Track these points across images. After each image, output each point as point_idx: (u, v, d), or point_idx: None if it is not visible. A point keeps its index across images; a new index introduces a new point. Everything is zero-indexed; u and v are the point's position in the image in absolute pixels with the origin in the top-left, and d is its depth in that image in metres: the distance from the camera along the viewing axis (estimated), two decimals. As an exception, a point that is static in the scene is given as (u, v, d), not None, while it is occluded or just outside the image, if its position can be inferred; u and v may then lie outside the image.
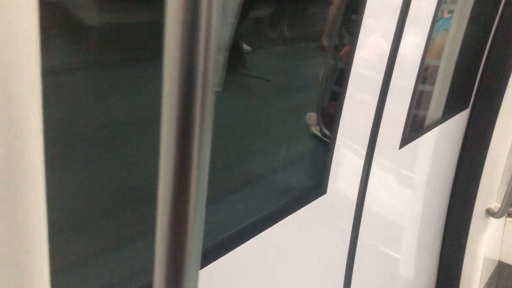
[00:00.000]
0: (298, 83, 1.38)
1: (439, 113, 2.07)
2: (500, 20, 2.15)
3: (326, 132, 1.33)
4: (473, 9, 2.02)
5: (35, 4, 0.33)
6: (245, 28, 1.25)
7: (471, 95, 2.29)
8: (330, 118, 1.31)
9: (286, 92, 1.34)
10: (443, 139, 2.14)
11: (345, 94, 1.26)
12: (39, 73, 0.34)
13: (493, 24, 2.17)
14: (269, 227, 1.11)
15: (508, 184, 2.36)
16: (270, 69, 1.33)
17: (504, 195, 2.38)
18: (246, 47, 1.23)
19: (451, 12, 2.05)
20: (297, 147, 1.40)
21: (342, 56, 1.33)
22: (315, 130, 1.37)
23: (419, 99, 1.86)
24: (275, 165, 1.30)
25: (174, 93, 0.35)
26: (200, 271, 0.93)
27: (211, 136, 0.39)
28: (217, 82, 1.13)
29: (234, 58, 1.18)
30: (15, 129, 0.34)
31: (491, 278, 2.87)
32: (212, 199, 1.04)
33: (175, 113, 0.36)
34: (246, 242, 1.04)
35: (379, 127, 1.46)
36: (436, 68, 2.06)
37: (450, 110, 2.13)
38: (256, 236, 1.07)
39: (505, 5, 2.13)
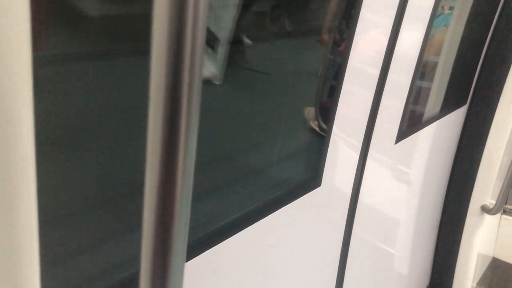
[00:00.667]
0: (298, 78, 1.38)
1: (437, 109, 2.08)
2: (499, 17, 2.16)
3: (324, 126, 1.34)
4: (473, 6, 2.02)
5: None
6: (247, 21, 1.25)
7: (469, 92, 2.30)
8: (328, 112, 1.32)
9: (285, 86, 1.35)
10: (440, 135, 2.15)
11: (341, 88, 1.27)
12: (30, 68, 0.34)
13: (492, 22, 2.18)
14: (263, 218, 1.13)
15: (504, 181, 2.37)
16: (270, 63, 1.34)
17: (500, 192, 2.39)
18: (247, 41, 1.24)
19: (451, 8, 2.05)
20: (295, 140, 1.41)
21: (342, 51, 1.34)
22: (313, 124, 1.38)
23: (417, 95, 1.87)
24: (272, 158, 1.31)
25: (161, 88, 0.36)
26: (192, 261, 0.94)
27: (197, 126, 0.40)
28: (217, 75, 1.14)
29: (235, 52, 1.18)
30: (5, 124, 0.34)
31: (485, 274, 2.89)
32: (208, 190, 1.05)
33: (161, 106, 0.36)
34: (239, 233, 1.06)
35: (375, 121, 1.47)
36: (435, 64, 2.06)
37: (447, 106, 2.14)
38: (250, 227, 1.09)
39: (504, 2, 2.13)
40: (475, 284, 2.69)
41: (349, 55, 1.24)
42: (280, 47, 1.35)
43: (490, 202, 2.49)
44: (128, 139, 0.87)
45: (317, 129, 1.37)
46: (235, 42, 1.17)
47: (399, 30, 1.38)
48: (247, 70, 1.29)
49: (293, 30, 1.37)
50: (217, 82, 1.12)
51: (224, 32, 1.15)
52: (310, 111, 1.40)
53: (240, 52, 1.24)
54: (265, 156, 1.30)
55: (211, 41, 1.13)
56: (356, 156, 1.47)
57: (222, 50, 1.15)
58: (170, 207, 0.40)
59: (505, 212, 2.89)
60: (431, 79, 2.04)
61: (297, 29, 1.40)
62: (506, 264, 2.93)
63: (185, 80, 0.36)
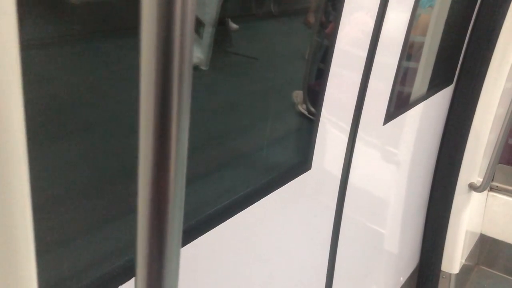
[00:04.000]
0: (285, 61, 1.38)
1: (424, 89, 2.09)
2: None
3: (312, 109, 1.34)
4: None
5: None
6: (231, 5, 1.24)
7: (455, 72, 2.31)
8: (316, 96, 1.31)
9: (273, 70, 1.34)
10: (427, 115, 2.16)
11: (329, 71, 1.27)
12: (19, 65, 0.34)
13: (477, 2, 2.18)
14: (254, 203, 1.13)
15: (490, 159, 2.40)
16: (257, 47, 1.33)
17: (486, 170, 2.42)
18: (233, 25, 1.23)
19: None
20: (283, 125, 1.41)
21: (328, 33, 1.33)
22: (302, 108, 1.38)
23: (404, 76, 1.88)
24: (260, 143, 1.31)
25: (150, 81, 0.36)
26: (186, 247, 0.94)
27: (189, 112, 0.39)
28: (203, 60, 1.12)
29: (221, 36, 1.17)
30: None
31: (473, 250, 2.94)
32: (197, 176, 1.05)
33: (152, 94, 0.36)
34: (231, 218, 1.06)
35: (363, 103, 1.47)
36: (421, 44, 2.06)
37: (434, 87, 2.15)
38: (241, 212, 1.09)
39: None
40: (463, 261, 2.74)
41: (336, 37, 1.24)
42: (266, 30, 1.34)
43: (477, 179, 2.52)
44: (116, 122, 0.87)
45: (305, 112, 1.37)
46: (221, 27, 1.16)
47: (385, 11, 1.38)
48: (233, 54, 1.28)
49: (279, 13, 1.35)
50: (203, 68, 1.11)
51: (209, 16, 1.14)
52: (298, 95, 1.40)
53: (226, 37, 1.22)
54: (254, 142, 1.30)
55: (196, 26, 1.12)
56: (345, 138, 1.47)
57: (207, 35, 1.14)
58: (165, 190, 0.40)
59: (491, 189, 2.93)
60: (417, 60, 2.05)
61: (283, 12, 1.38)
62: (493, 239, 2.99)
63: (175, 70, 0.36)
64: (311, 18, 1.40)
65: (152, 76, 0.36)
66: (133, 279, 0.81)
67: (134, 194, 0.41)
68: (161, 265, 0.43)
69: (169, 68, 0.36)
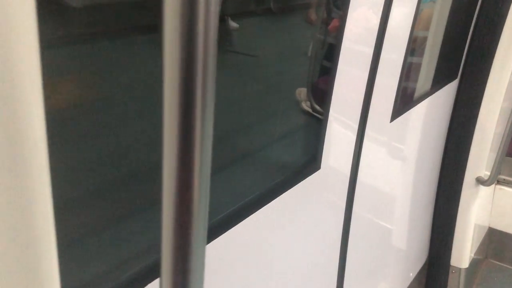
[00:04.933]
0: (287, 59, 1.37)
1: (429, 85, 2.08)
2: None
3: (317, 107, 1.33)
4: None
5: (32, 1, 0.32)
6: (231, 3, 1.23)
7: (460, 66, 2.30)
8: (321, 93, 1.30)
9: (274, 68, 1.33)
10: (433, 110, 2.15)
11: (336, 69, 1.26)
12: (39, 68, 0.34)
13: None
14: (265, 205, 1.12)
15: (497, 153, 2.39)
16: (257, 45, 1.32)
17: (493, 163, 2.41)
18: (233, 24, 1.22)
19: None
20: (288, 124, 1.40)
21: (330, 30, 1.32)
22: (306, 106, 1.37)
23: (408, 71, 1.87)
24: (266, 144, 1.30)
25: (175, 83, 0.35)
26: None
27: (213, 109, 0.39)
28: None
29: (221, 35, 1.16)
30: (17, 124, 0.33)
31: (482, 244, 2.93)
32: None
33: (176, 93, 0.36)
34: (243, 221, 1.05)
35: (370, 101, 1.46)
36: (425, 39, 2.05)
37: (439, 82, 2.14)
38: (252, 215, 1.09)
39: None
40: (473, 255, 2.73)
41: (343, 34, 1.23)
42: (266, 29, 1.33)
43: (485, 173, 2.51)
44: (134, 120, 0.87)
45: (310, 110, 1.36)
46: (220, 25, 1.15)
47: (390, 7, 1.37)
48: (234, 53, 1.27)
49: (278, 10, 1.34)
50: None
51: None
52: (301, 92, 1.38)
53: (226, 35, 1.22)
54: (258, 143, 1.29)
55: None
56: (353, 137, 1.47)
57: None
58: (190, 190, 0.40)
59: (499, 182, 2.92)
60: (422, 55, 2.04)
61: (282, 9, 1.38)
62: (501, 233, 2.98)
63: (199, 67, 0.36)
64: (313, 15, 1.39)
65: (175, 75, 0.36)
66: (156, 281, 0.80)
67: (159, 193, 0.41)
68: (187, 266, 0.43)
69: (193, 65, 0.36)
